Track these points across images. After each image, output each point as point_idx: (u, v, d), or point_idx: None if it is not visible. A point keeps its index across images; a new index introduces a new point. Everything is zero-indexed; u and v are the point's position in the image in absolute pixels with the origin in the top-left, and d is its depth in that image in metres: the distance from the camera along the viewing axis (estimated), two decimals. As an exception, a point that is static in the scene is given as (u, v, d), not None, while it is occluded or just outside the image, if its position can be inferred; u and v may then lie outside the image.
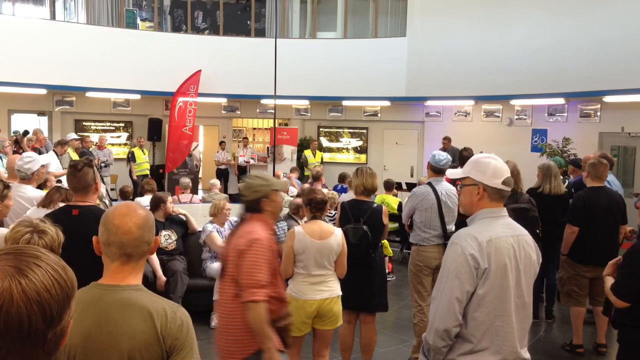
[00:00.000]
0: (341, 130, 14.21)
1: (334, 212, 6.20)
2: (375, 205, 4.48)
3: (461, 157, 7.05)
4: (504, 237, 2.27)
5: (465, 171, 2.41)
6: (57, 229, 2.27)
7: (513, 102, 11.64)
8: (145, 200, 6.86)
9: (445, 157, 4.78)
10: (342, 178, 8.93)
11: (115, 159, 12.24)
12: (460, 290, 2.20)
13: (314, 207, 3.90)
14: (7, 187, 3.51)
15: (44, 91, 11.89)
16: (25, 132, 10.99)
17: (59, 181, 4.77)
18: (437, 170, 4.80)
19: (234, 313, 2.75)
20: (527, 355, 2.32)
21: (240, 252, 2.73)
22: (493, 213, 2.32)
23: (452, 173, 2.71)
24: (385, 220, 4.47)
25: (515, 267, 2.26)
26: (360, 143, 14.11)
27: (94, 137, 12.44)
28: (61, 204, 3.57)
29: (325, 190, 7.40)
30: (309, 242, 3.73)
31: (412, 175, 12.87)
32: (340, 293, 3.88)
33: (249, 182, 2.95)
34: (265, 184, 2.91)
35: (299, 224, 5.93)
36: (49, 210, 3.40)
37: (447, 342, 2.24)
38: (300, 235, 3.77)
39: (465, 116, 12.67)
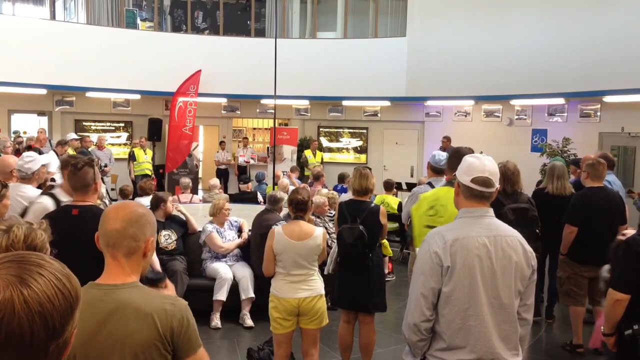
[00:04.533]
0: (341, 130, 14.21)
1: (333, 212, 6.20)
2: (372, 205, 4.47)
3: (461, 157, 7.03)
4: (475, 237, 2.25)
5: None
6: (34, 230, 1.96)
7: (513, 102, 11.64)
8: (146, 200, 6.85)
9: (445, 157, 4.77)
10: (342, 178, 8.94)
11: (116, 159, 12.25)
12: (425, 286, 2.26)
13: (295, 207, 3.94)
14: (4, 186, 3.49)
15: (44, 91, 11.89)
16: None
17: (53, 180, 4.76)
18: (437, 170, 4.79)
19: None
20: (514, 358, 2.30)
21: None
22: (470, 213, 2.33)
23: None
24: (384, 220, 4.46)
25: (488, 267, 2.24)
26: (360, 143, 14.11)
27: (94, 137, 12.45)
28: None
29: (325, 190, 7.41)
30: (287, 243, 3.80)
31: (412, 175, 12.87)
32: (323, 292, 3.93)
33: None
34: None
35: (321, 224, 5.96)
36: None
37: (420, 337, 2.29)
38: (279, 236, 3.83)
39: (465, 116, 12.67)
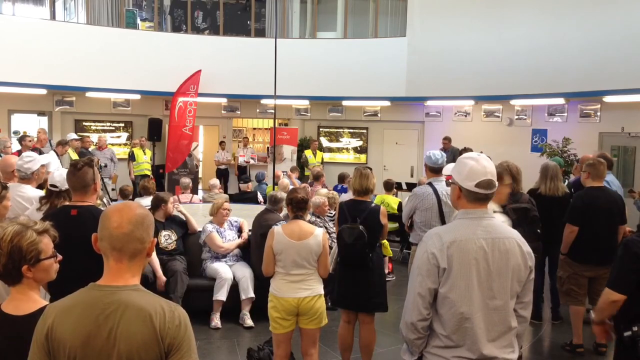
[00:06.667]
0: (341, 130, 14.21)
1: (334, 212, 6.20)
2: (373, 205, 4.48)
3: (461, 157, 7.03)
4: (473, 239, 2.26)
5: (452, 169, 2.48)
6: (25, 230, 2.01)
7: (513, 102, 11.63)
8: (146, 201, 6.85)
9: (440, 155, 4.78)
10: (342, 178, 8.94)
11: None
12: (422, 286, 2.28)
13: (295, 206, 3.94)
14: (4, 187, 3.49)
15: (44, 91, 11.89)
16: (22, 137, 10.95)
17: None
18: (435, 170, 4.80)
19: None
20: (509, 355, 2.31)
21: None
22: (469, 214, 2.34)
23: (447, 169, 2.74)
24: (384, 220, 4.46)
25: (484, 269, 2.25)
26: (360, 143, 14.11)
27: (94, 137, 12.44)
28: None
29: (325, 191, 7.41)
30: (287, 243, 3.79)
31: (412, 175, 12.88)
32: (322, 292, 3.93)
33: None
34: None
35: (321, 224, 5.95)
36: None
37: (418, 335, 2.32)
38: (279, 236, 3.83)
39: (465, 116, 12.67)
